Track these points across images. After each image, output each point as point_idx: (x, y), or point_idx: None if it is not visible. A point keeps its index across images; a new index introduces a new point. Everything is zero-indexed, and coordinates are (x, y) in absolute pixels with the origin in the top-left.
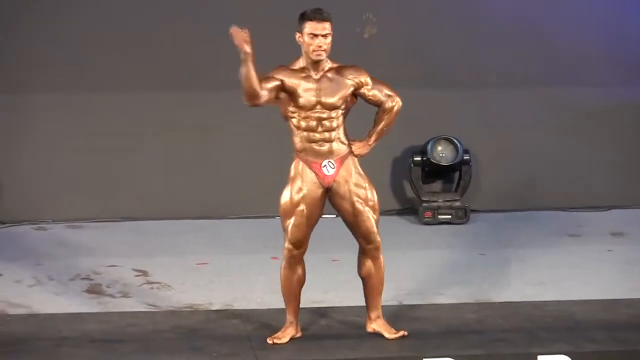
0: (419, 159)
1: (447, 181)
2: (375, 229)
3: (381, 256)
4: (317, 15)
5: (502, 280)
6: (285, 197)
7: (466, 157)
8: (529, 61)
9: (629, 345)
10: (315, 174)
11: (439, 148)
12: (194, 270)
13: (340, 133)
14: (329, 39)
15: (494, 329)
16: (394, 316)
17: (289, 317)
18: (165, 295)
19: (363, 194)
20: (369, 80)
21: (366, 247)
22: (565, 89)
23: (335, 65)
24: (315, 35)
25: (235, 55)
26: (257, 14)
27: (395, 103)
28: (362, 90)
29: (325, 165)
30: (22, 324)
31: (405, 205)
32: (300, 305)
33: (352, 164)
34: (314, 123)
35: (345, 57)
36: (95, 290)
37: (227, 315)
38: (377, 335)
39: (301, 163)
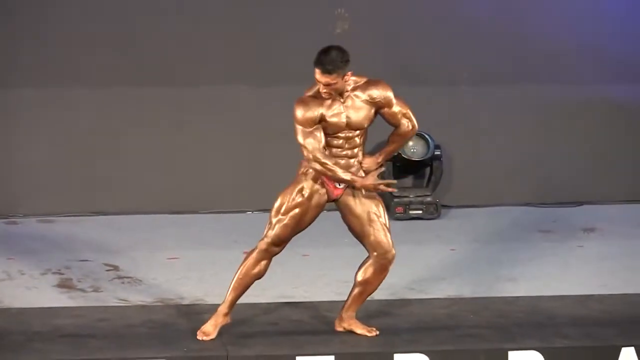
0: None
1: (419, 176)
2: (390, 240)
3: (388, 270)
4: (320, 65)
5: (473, 275)
6: (284, 195)
7: (437, 153)
8: (500, 58)
9: (600, 340)
10: (325, 184)
11: (410, 143)
12: (165, 265)
13: (360, 150)
14: (333, 86)
15: (465, 325)
16: (364, 311)
17: (225, 309)
18: (137, 289)
19: (374, 206)
20: (392, 100)
21: (379, 258)
22: (536, 86)
23: (360, 81)
24: (319, 81)
25: (206, 50)
26: (240, 11)
27: (412, 129)
28: (384, 110)
29: None
30: None
31: None
32: (271, 300)
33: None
34: (341, 142)
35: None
36: (66, 284)
37: (198, 310)
38: (349, 331)
39: (311, 170)
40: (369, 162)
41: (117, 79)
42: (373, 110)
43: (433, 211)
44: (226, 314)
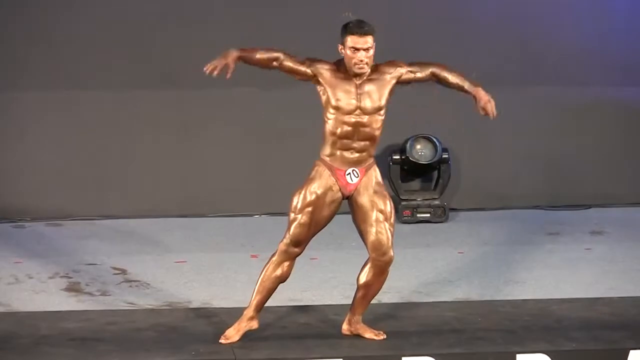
0: (398, 157)
1: (426, 180)
2: (390, 243)
3: (387, 272)
4: (359, 29)
5: (481, 278)
6: (298, 194)
7: (445, 156)
8: (509, 59)
9: (609, 344)
10: (337, 180)
11: (418, 146)
12: (173, 269)
13: (372, 144)
14: (371, 52)
15: (473, 328)
16: (372, 315)
17: (251, 312)
18: (144, 293)
19: (382, 205)
20: (405, 65)
21: (377, 260)
22: (545, 87)
23: (374, 66)
24: (357, 49)
25: (213, 53)
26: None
27: (444, 66)
28: (405, 77)
29: (349, 174)
30: (1, 322)
31: None
32: (279, 304)
33: (374, 173)
34: (350, 129)
35: (323, 55)
36: (74, 288)
37: (206, 314)
38: (356, 335)
39: (323, 167)
40: (485, 97)
41: (124, 82)
42: (392, 86)
43: (441, 214)
44: (252, 318)
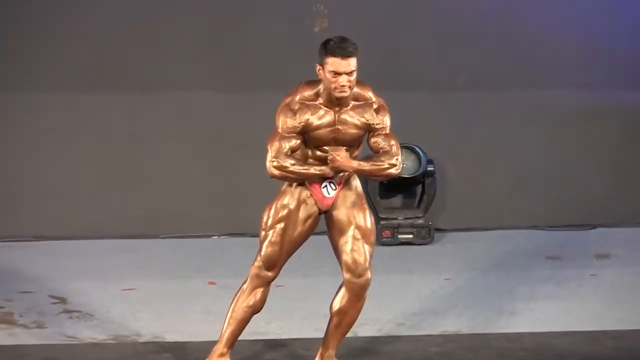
0: None
1: (409, 195)
2: (367, 263)
3: (364, 297)
4: (342, 50)
5: (471, 308)
6: (268, 210)
7: (430, 168)
8: (502, 59)
9: None
10: (312, 194)
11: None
12: (119, 297)
13: (355, 150)
14: (354, 75)
15: None
16: (347, 349)
17: (221, 348)
18: (87, 325)
19: (361, 220)
20: (387, 128)
21: (351, 282)
22: (543, 91)
23: (357, 92)
24: (339, 73)
25: (164, 55)
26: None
27: (393, 167)
28: (372, 135)
29: (325, 186)
30: None
31: None
32: (241, 338)
33: (354, 182)
34: (326, 155)
35: (293, 55)
36: (6, 319)
37: (156, 349)
38: None
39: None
40: (344, 156)
41: (64, 86)
42: (364, 131)
43: (425, 235)
44: (222, 354)
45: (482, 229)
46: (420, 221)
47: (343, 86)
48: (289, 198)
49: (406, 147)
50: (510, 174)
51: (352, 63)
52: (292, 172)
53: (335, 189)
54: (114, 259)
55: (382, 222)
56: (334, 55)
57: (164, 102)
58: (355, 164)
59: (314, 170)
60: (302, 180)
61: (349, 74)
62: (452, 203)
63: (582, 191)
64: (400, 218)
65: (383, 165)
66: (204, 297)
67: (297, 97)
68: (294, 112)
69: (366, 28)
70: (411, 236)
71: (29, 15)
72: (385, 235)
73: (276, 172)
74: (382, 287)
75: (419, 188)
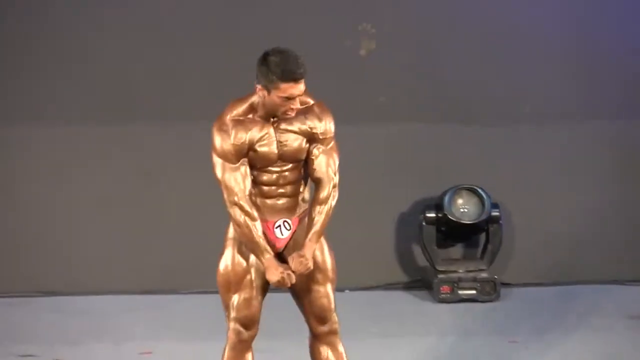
0: (433, 215)
1: (471, 245)
2: (332, 306)
3: (340, 343)
4: (293, 74)
5: None
6: (226, 265)
7: (495, 213)
8: (576, 86)
9: None
10: (265, 235)
11: (460, 201)
12: None
13: (302, 185)
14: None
15: None
16: None
17: None
18: None
19: (320, 261)
20: (329, 139)
21: (319, 330)
22: (624, 122)
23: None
24: (292, 98)
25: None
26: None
27: (332, 196)
28: (313, 148)
29: (279, 226)
30: None
31: (415, 277)
32: None
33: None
34: (274, 177)
35: (332, 85)
36: None
37: None
38: None
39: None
40: (298, 262)
41: (70, 118)
42: (307, 143)
43: (490, 291)
44: None
45: (554, 283)
46: (484, 274)
47: (292, 109)
48: (242, 247)
49: (467, 189)
50: (588, 219)
51: (303, 83)
52: (247, 226)
53: (290, 229)
54: (128, 317)
55: (440, 276)
56: (286, 80)
57: (183, 138)
58: (309, 251)
59: (261, 248)
60: (244, 239)
61: (300, 94)
62: (521, 253)
63: None
64: (461, 271)
65: (327, 207)
66: None
67: (227, 117)
68: (232, 132)
69: (418, 55)
70: (474, 292)
71: (38, 47)
72: (443, 291)
73: (238, 216)
74: (438, 351)
75: (483, 236)
